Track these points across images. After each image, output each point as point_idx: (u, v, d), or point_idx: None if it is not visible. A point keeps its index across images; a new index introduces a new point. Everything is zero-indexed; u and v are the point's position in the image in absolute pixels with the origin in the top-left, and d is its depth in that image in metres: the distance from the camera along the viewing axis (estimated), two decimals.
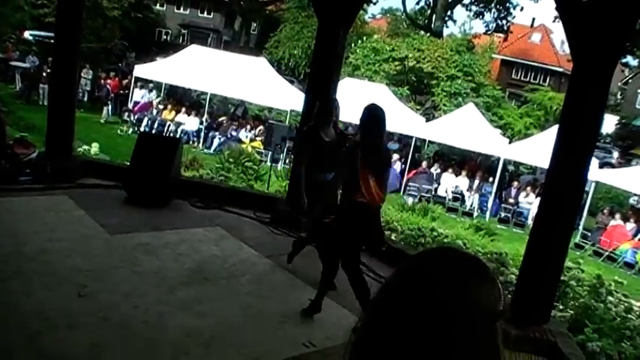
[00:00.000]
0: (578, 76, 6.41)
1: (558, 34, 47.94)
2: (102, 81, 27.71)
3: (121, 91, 27.42)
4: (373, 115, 6.15)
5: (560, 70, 47.52)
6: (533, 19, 55.81)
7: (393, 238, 10.72)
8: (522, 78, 49.70)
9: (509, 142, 24.08)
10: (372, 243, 6.48)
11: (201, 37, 43.64)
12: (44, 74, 25.21)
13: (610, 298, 8.78)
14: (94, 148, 17.00)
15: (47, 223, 7.74)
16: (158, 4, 44.62)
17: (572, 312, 8.15)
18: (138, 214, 8.59)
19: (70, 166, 9.58)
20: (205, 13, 49.24)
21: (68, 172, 9.40)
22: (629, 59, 39.90)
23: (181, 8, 49.13)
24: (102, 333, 5.23)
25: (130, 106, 26.04)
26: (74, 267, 6.44)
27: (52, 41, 21.94)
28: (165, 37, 46.83)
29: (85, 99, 26.38)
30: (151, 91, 26.73)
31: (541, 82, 46.42)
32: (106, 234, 7.54)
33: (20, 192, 8.69)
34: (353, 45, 33.14)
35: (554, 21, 27.39)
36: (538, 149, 19.09)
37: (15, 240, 6.97)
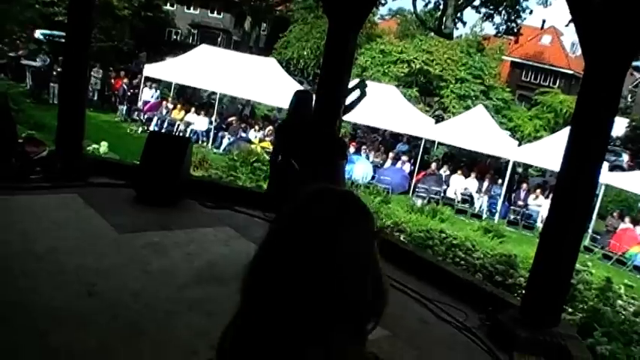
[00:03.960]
0: (590, 77, 6.37)
1: (569, 36, 47.83)
2: (112, 80, 27.80)
3: (131, 91, 27.50)
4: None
5: (571, 72, 47.40)
6: (544, 21, 55.63)
7: (402, 239, 10.69)
8: (532, 80, 49.59)
9: (519, 145, 24.02)
10: None
11: (211, 37, 43.71)
12: (54, 73, 25.31)
13: (619, 301, 8.77)
14: (103, 147, 17.04)
15: (56, 221, 7.74)
16: (168, 4, 44.64)
17: (580, 315, 8.12)
18: (147, 213, 8.58)
19: (80, 165, 9.61)
20: (215, 13, 49.28)
21: (78, 171, 9.42)
22: None
23: (191, 8, 49.19)
24: (111, 331, 5.23)
25: (140, 105, 26.15)
26: (83, 266, 6.44)
27: (63, 40, 22.07)
28: (175, 36, 46.85)
29: (95, 98, 26.44)
30: (157, 89, 26.80)
31: (551, 85, 46.32)
32: (115, 233, 7.54)
33: (30, 190, 8.70)
34: (361, 47, 33.11)
35: (567, 25, 27.21)
36: (548, 152, 19.04)
37: (24, 238, 6.97)
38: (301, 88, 26.76)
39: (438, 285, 7.69)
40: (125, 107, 26.69)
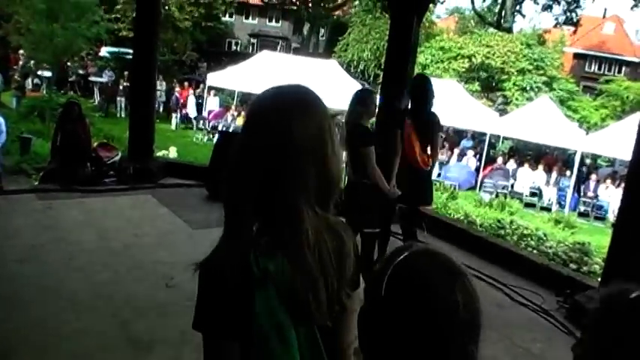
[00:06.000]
0: None
1: (632, 23, 46.58)
2: (175, 91, 28.30)
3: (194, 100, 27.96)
4: None
5: (636, 60, 46.13)
6: (605, 10, 54.38)
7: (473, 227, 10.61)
8: (596, 70, 48.31)
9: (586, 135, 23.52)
10: None
11: (270, 45, 43.97)
12: (121, 87, 25.97)
13: None
14: (173, 152, 17.36)
15: (132, 220, 7.98)
16: (227, 15, 45.26)
17: None
18: (219, 210, 8.66)
19: (152, 168, 9.86)
20: (274, 21, 49.67)
21: (150, 173, 9.68)
22: None
23: (250, 18, 49.68)
24: (190, 320, 5.29)
25: (205, 114, 26.55)
26: (160, 260, 6.62)
27: (127, 57, 22.57)
28: (235, 47, 47.28)
29: (161, 110, 26.97)
30: (215, 95, 27.22)
31: (616, 74, 45.03)
32: (189, 229, 7.71)
33: (105, 192, 8.99)
34: (421, 45, 32.91)
35: (632, 8, 26.32)
36: (616, 140, 18.57)
37: (102, 236, 7.21)
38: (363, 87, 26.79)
39: (513, 269, 7.63)
40: (178, 115, 27.25)
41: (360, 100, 6.15)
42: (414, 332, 1.24)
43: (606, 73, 45.76)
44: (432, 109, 6.74)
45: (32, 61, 24.16)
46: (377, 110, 6.60)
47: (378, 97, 6.61)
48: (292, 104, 1.68)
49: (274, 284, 1.55)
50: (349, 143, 6.05)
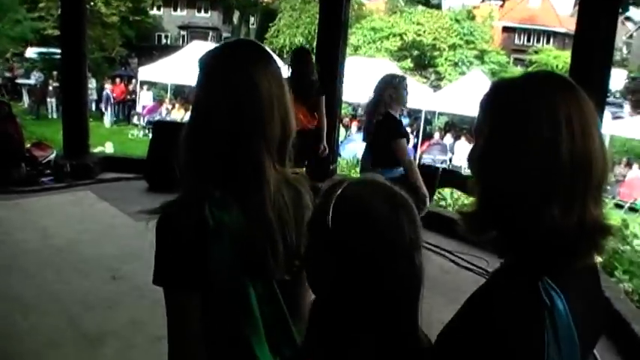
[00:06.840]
0: (583, 28, 6.39)
1: None
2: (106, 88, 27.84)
3: (128, 97, 27.53)
4: None
5: (563, 30, 47.08)
6: None
7: None
8: (525, 43, 49.19)
9: None
10: None
11: (200, 36, 43.52)
12: (50, 88, 25.42)
13: (636, 241, 8.75)
14: (109, 147, 17.11)
15: (73, 216, 7.86)
16: (155, 8, 44.67)
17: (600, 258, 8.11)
18: (161, 200, 8.62)
19: (89, 163, 9.71)
20: (203, 12, 49.22)
21: (88, 169, 9.54)
22: (632, 12, 39.67)
23: (178, 10, 49.13)
24: (139, 310, 5.27)
25: (139, 109, 26.20)
26: (104, 254, 6.53)
27: (55, 57, 22.09)
28: (165, 40, 46.69)
29: (93, 108, 26.50)
30: (148, 89, 26.95)
31: (544, 45, 46.00)
32: (131, 220, 7.60)
33: (43, 192, 8.81)
34: (351, 27, 33.04)
35: None
36: None
37: (43, 234, 7.07)
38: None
39: (456, 237, 7.70)
40: (111, 112, 26.85)
41: (391, 85, 5.90)
42: (365, 255, 1.29)
43: (535, 44, 46.69)
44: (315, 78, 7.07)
45: None
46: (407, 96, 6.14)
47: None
48: (249, 54, 1.66)
49: (230, 236, 1.54)
50: (376, 135, 5.90)
